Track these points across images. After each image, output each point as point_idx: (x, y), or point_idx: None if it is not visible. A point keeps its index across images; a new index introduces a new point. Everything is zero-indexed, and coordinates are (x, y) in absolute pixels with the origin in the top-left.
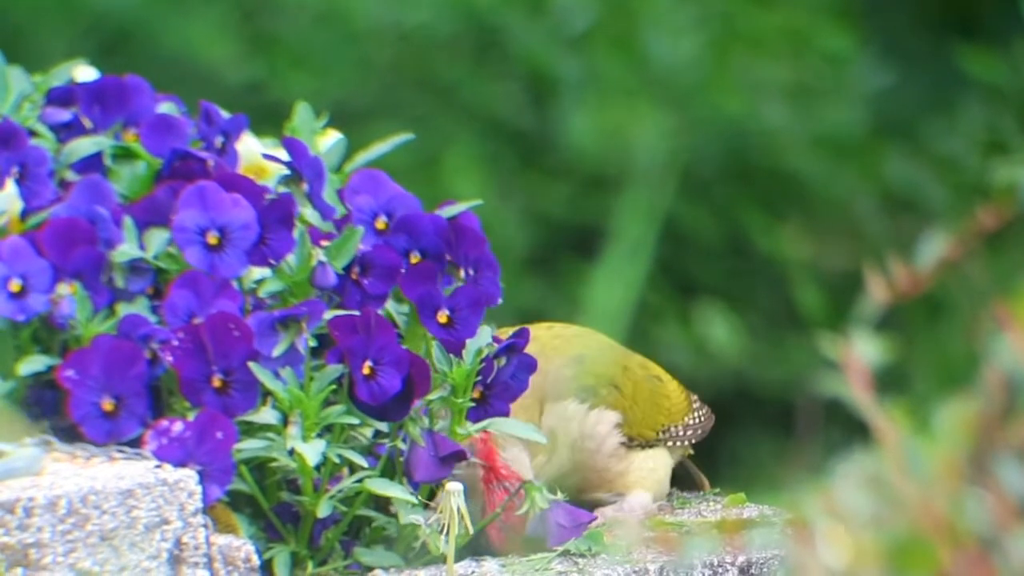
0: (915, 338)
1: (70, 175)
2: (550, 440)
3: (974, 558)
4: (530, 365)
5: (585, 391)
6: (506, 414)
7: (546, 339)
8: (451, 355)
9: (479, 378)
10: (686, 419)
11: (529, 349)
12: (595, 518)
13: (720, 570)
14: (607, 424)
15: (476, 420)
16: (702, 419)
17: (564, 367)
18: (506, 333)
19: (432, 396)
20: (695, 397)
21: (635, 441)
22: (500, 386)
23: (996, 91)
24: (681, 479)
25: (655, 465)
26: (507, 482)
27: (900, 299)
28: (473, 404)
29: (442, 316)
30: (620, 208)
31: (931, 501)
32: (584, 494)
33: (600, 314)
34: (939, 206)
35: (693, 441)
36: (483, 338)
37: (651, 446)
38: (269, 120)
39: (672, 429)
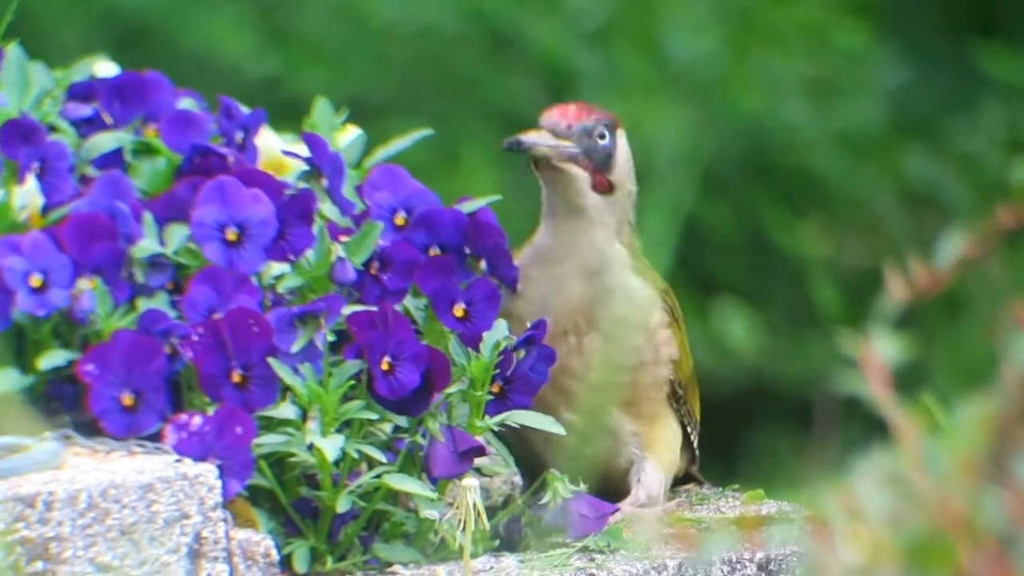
0: (934, 336)
1: (90, 170)
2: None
3: (992, 555)
4: (549, 356)
5: (666, 306)
6: (526, 407)
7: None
8: (468, 348)
9: (497, 371)
10: (696, 414)
11: None
12: (617, 509)
13: (738, 567)
14: (664, 337)
15: (495, 413)
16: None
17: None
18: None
19: (451, 390)
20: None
21: (673, 383)
22: (520, 379)
23: (1017, 89)
24: (704, 461)
25: (673, 439)
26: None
27: (919, 297)
28: (492, 397)
29: (458, 309)
30: (642, 205)
31: (949, 499)
32: (610, 410)
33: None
34: (959, 204)
35: (695, 444)
36: (500, 331)
37: (678, 406)
38: (287, 115)
39: (691, 411)
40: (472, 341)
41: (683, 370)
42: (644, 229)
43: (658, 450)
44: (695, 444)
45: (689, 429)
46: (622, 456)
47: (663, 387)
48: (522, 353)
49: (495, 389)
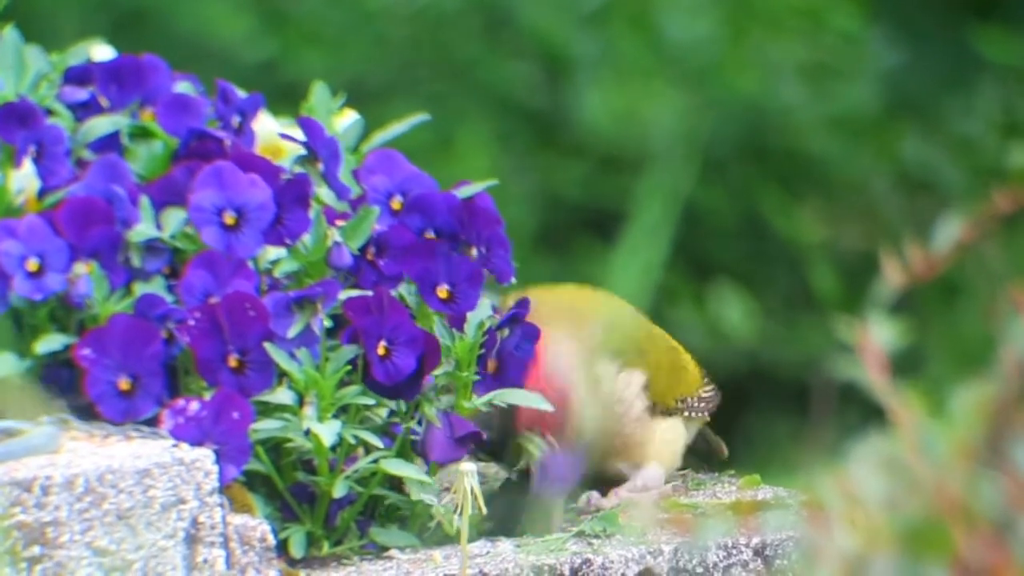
0: (931, 321)
1: (87, 154)
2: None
3: (989, 541)
4: (533, 334)
5: (616, 353)
6: (518, 385)
7: (577, 299)
8: (454, 330)
9: (483, 351)
10: (700, 391)
11: (558, 308)
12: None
13: (734, 552)
14: (636, 387)
15: (485, 393)
16: (713, 393)
17: (597, 328)
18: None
19: (437, 372)
20: (705, 372)
21: (657, 407)
22: (506, 358)
23: (1013, 71)
24: (700, 453)
25: (673, 437)
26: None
27: (916, 282)
28: (480, 378)
29: (441, 291)
30: (640, 189)
31: (946, 484)
32: (604, 461)
33: (620, 296)
34: (956, 187)
35: (705, 414)
36: (484, 311)
37: (671, 415)
38: (284, 98)
39: (690, 399)
40: (458, 322)
41: (655, 391)
42: (644, 215)
43: (656, 454)
44: (698, 417)
45: (686, 414)
46: (618, 465)
47: (643, 418)
48: (506, 332)
49: (491, 369)
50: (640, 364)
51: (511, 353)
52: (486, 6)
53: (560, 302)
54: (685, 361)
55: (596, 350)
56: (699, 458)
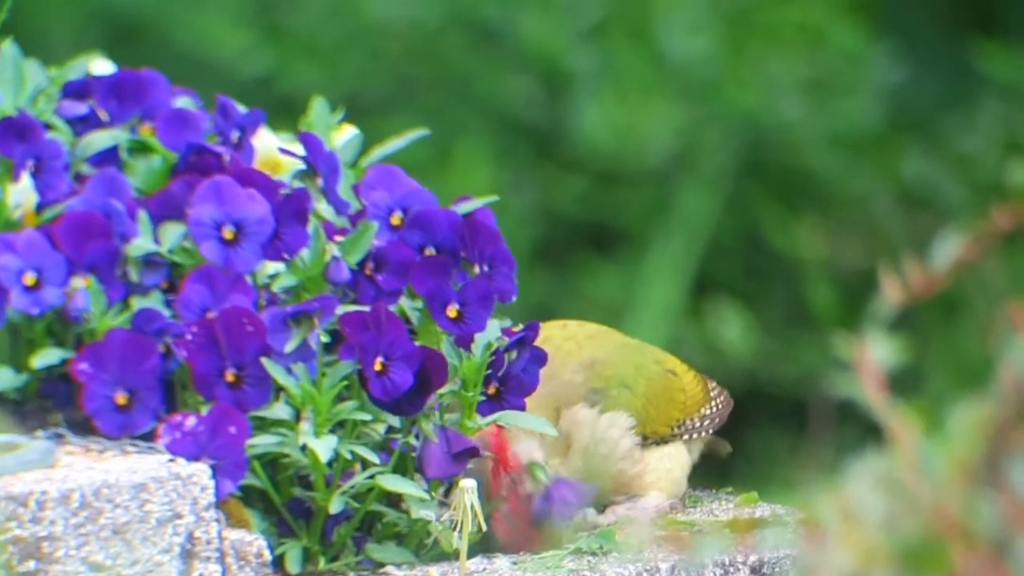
0: (930, 338)
1: (86, 169)
2: (563, 445)
3: (986, 560)
4: (541, 358)
5: (596, 395)
6: (520, 408)
7: (559, 341)
8: (461, 349)
9: (489, 372)
10: (703, 410)
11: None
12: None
13: (731, 569)
14: (619, 428)
15: (488, 414)
16: (720, 407)
17: (576, 372)
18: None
19: (443, 390)
20: (712, 384)
21: (650, 439)
22: (512, 380)
23: (1014, 89)
24: (699, 465)
25: (671, 465)
26: (515, 474)
27: (915, 299)
28: (485, 399)
29: (452, 310)
30: (671, 209)
31: (944, 502)
32: (601, 498)
33: (648, 315)
34: (956, 204)
35: (711, 432)
36: (492, 332)
37: (666, 442)
38: (280, 112)
39: (688, 423)
40: (466, 342)
41: (646, 424)
42: (671, 236)
43: (654, 484)
44: (700, 438)
45: (686, 437)
46: (616, 499)
47: (632, 455)
48: (514, 354)
49: (490, 391)
50: (625, 403)
51: (517, 376)
52: (484, 20)
53: (544, 344)
54: (683, 384)
55: (575, 395)
56: (703, 457)
